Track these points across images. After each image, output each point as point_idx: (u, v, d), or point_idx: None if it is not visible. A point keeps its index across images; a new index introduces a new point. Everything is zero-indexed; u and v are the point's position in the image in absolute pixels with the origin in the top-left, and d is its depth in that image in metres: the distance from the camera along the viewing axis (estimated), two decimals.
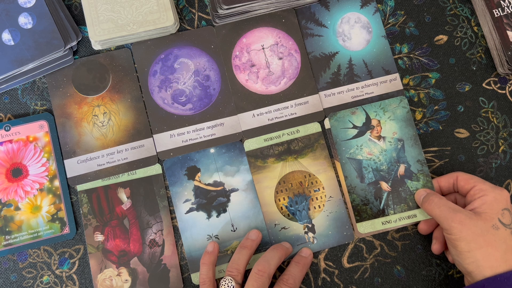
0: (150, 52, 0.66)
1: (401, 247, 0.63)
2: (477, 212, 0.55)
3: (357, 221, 0.62)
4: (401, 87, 0.67)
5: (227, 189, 0.63)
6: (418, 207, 0.62)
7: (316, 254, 0.63)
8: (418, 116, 0.66)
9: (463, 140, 0.66)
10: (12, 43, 0.62)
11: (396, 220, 0.62)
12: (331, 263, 0.63)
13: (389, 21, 0.69)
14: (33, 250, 0.62)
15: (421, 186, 0.62)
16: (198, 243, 0.62)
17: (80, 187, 0.63)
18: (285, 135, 0.65)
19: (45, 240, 0.61)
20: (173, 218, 0.63)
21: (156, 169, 0.64)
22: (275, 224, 0.63)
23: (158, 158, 0.64)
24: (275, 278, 0.61)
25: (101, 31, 0.63)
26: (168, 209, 0.63)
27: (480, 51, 0.69)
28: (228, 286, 0.55)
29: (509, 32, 0.65)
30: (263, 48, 0.67)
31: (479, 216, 0.54)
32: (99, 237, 0.62)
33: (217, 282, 0.60)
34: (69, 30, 0.64)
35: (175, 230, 0.62)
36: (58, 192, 0.62)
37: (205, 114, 0.65)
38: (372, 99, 0.66)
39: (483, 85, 0.68)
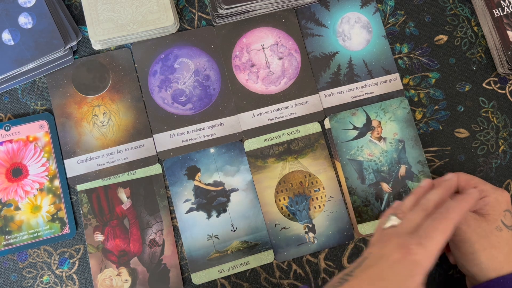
0: (150, 52, 0.66)
1: None
2: (480, 213, 0.55)
3: (358, 222, 0.62)
4: (401, 87, 0.67)
5: (227, 189, 0.63)
6: None
7: (316, 254, 0.63)
8: (418, 116, 0.66)
9: (463, 140, 0.66)
10: (12, 43, 0.62)
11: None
12: (331, 263, 0.63)
13: (389, 21, 0.69)
14: (33, 250, 0.62)
15: None
16: (198, 243, 0.62)
17: (80, 187, 0.63)
18: (285, 135, 0.65)
19: (45, 240, 0.61)
20: (173, 218, 0.63)
21: (156, 169, 0.64)
22: (275, 224, 0.63)
23: (158, 158, 0.64)
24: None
25: (101, 31, 0.63)
26: (168, 209, 0.63)
27: (480, 51, 0.69)
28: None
29: (509, 32, 0.65)
30: (263, 48, 0.67)
31: (483, 217, 0.54)
32: (99, 237, 0.62)
33: None
34: (69, 30, 0.64)
35: (175, 230, 0.62)
36: (58, 192, 0.62)
37: (205, 114, 0.65)
38: (372, 99, 0.66)
39: (483, 85, 0.68)
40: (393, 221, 0.49)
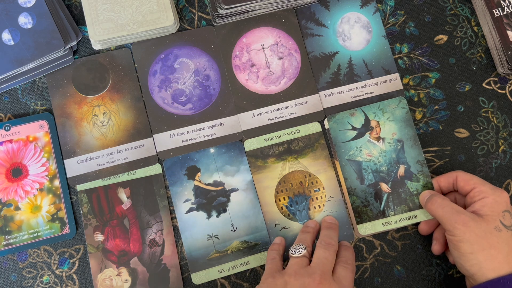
0: (150, 52, 0.66)
1: (401, 247, 0.63)
2: (479, 214, 0.55)
3: (358, 222, 0.62)
4: (401, 87, 0.67)
5: (227, 189, 0.63)
6: (418, 208, 0.62)
7: None
8: (418, 116, 0.66)
9: (463, 140, 0.66)
10: (12, 43, 0.62)
11: (396, 221, 0.62)
12: None
13: (389, 21, 0.69)
14: (33, 250, 0.62)
15: (421, 186, 0.62)
16: (198, 243, 0.62)
17: (80, 187, 0.63)
18: (285, 135, 0.65)
19: (45, 240, 0.61)
20: (173, 218, 0.63)
21: (156, 169, 0.64)
22: (275, 224, 0.63)
23: (158, 158, 0.64)
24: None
25: (101, 31, 0.63)
26: (168, 209, 0.63)
27: (480, 51, 0.69)
28: (299, 249, 0.56)
29: (509, 32, 0.65)
30: (263, 48, 0.67)
31: (482, 218, 0.54)
32: (99, 237, 0.62)
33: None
34: (69, 30, 0.64)
35: (175, 230, 0.63)
36: (58, 192, 0.62)
37: (205, 114, 0.65)
38: (372, 99, 0.66)
39: (483, 85, 0.68)
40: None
